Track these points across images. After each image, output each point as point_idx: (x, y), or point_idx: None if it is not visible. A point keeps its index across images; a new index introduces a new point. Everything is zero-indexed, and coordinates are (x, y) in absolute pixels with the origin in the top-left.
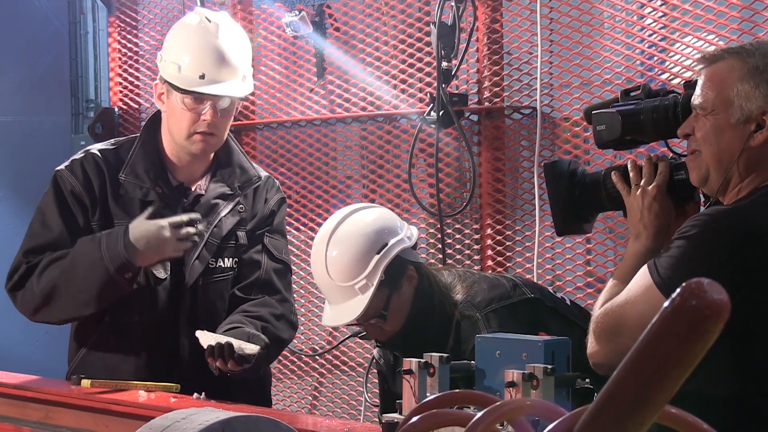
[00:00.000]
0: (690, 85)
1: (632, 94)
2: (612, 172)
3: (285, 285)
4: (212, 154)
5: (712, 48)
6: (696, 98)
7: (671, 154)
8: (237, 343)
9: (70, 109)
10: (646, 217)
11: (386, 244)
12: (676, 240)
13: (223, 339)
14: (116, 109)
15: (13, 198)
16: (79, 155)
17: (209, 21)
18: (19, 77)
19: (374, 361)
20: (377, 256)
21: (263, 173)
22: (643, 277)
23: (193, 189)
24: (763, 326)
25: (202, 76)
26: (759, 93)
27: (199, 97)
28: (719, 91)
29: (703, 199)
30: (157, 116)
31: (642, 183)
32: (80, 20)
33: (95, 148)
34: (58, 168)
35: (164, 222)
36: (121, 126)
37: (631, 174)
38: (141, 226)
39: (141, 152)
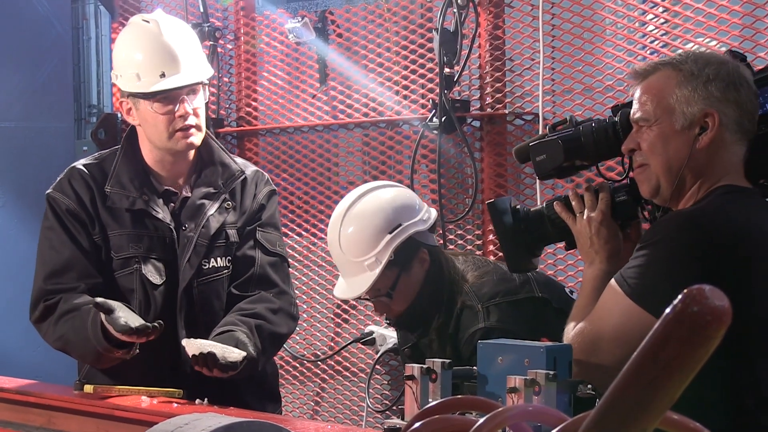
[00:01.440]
0: (618, 108)
1: (559, 127)
2: (554, 203)
3: (282, 277)
4: (193, 156)
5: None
6: (636, 112)
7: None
8: (220, 352)
9: (72, 114)
10: (597, 243)
11: (400, 225)
12: (639, 250)
13: (206, 348)
14: (119, 115)
15: (15, 204)
16: (64, 174)
17: (148, 22)
18: (21, 83)
19: (397, 348)
20: (389, 236)
21: (251, 168)
22: (613, 291)
23: (179, 193)
24: (738, 323)
25: (163, 75)
26: (698, 96)
27: (167, 97)
28: (659, 100)
29: (645, 214)
30: (134, 128)
31: (586, 210)
32: (83, 26)
33: (79, 164)
34: (49, 191)
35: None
36: (124, 131)
37: (573, 203)
38: (106, 322)
39: (124, 163)
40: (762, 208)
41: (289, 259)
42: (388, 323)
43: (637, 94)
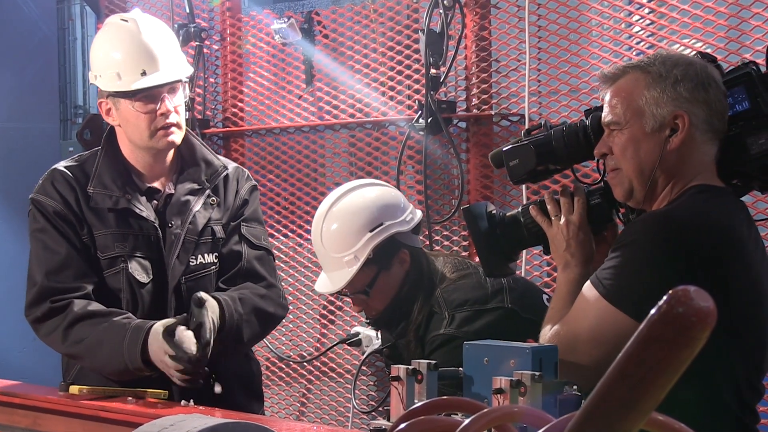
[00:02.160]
0: (590, 111)
1: (534, 132)
2: (530, 207)
3: (269, 270)
4: (173, 154)
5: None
6: (606, 116)
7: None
8: (189, 344)
9: (58, 115)
10: (573, 246)
11: (381, 224)
12: (613, 251)
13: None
14: None
15: (1, 205)
16: (46, 176)
17: (126, 21)
18: (7, 84)
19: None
20: (369, 234)
21: (231, 165)
22: (588, 292)
23: (162, 190)
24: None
25: (143, 73)
26: (667, 97)
27: (149, 96)
28: (629, 103)
29: (621, 219)
30: (113, 128)
31: (564, 213)
32: (69, 26)
33: (60, 165)
34: (32, 195)
35: (170, 355)
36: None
37: (549, 207)
38: (156, 344)
39: (105, 163)
40: (735, 206)
41: (275, 260)
42: (367, 323)
43: (607, 97)
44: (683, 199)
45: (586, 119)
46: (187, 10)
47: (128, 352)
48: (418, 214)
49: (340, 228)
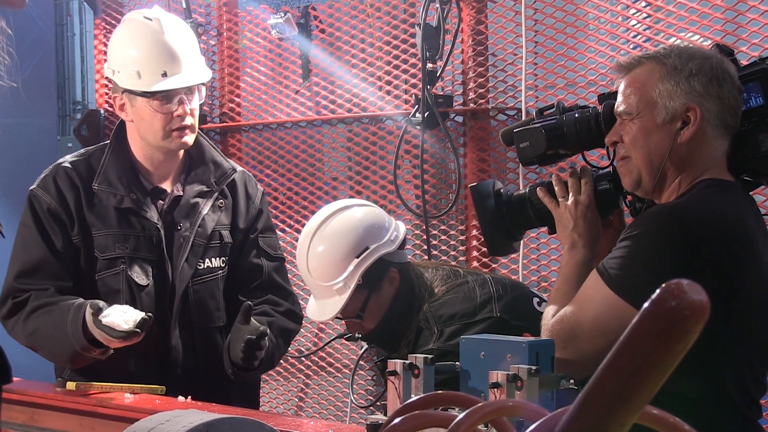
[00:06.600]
0: (604, 97)
1: (546, 112)
2: (537, 188)
3: (285, 279)
4: (182, 154)
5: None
6: (619, 105)
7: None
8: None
9: (56, 111)
10: (581, 226)
11: (367, 248)
12: (622, 241)
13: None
14: (102, 111)
15: None
16: (49, 171)
17: (150, 20)
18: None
19: (375, 363)
20: (356, 260)
21: (239, 168)
22: (594, 281)
23: (169, 191)
24: (720, 317)
25: (164, 74)
26: (680, 90)
27: (167, 96)
28: (642, 94)
29: (628, 206)
30: (123, 123)
31: (572, 194)
32: (67, 22)
33: (65, 160)
34: (32, 187)
35: (116, 331)
36: (107, 128)
37: (556, 188)
38: (94, 325)
39: (112, 160)
40: (744, 201)
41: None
42: (359, 338)
43: (621, 87)
44: (693, 192)
45: (601, 104)
46: (184, 6)
47: (72, 332)
48: (402, 229)
49: (326, 257)
